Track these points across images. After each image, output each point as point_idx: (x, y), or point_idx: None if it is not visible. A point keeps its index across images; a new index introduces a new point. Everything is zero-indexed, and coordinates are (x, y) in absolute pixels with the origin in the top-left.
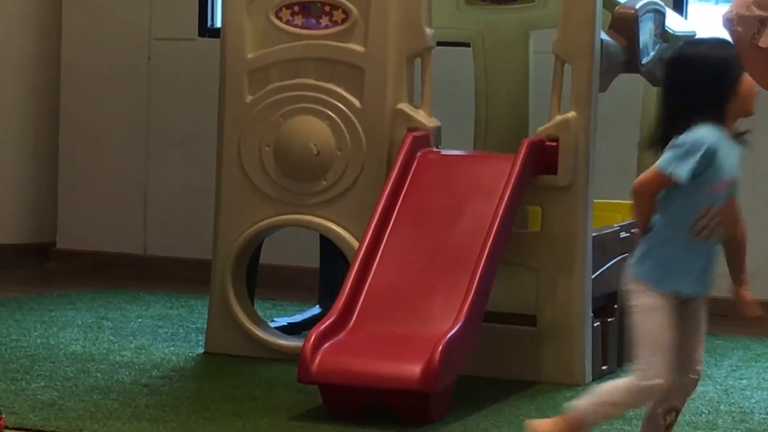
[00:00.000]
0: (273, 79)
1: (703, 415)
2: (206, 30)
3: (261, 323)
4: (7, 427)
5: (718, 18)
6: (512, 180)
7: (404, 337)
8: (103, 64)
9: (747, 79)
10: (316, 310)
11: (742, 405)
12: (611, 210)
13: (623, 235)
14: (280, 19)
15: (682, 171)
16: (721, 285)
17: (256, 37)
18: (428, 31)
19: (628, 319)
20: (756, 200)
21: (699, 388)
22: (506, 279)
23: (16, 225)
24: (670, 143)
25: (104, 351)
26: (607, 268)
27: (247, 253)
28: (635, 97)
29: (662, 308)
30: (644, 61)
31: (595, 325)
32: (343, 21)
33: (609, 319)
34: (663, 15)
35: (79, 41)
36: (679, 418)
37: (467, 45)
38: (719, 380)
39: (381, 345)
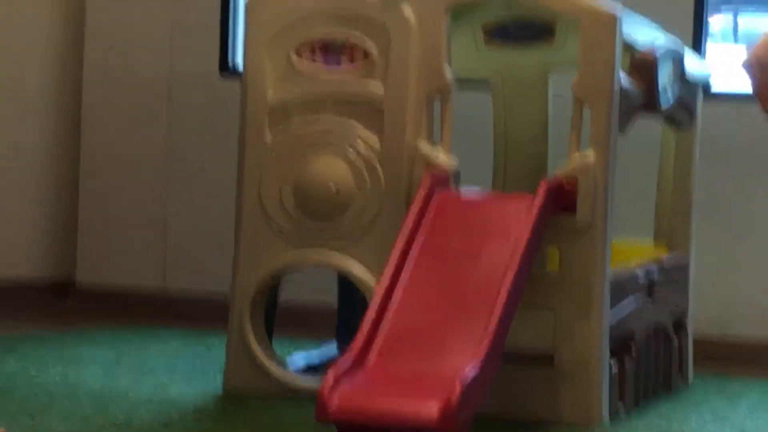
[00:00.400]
0: (293, 118)
1: None
2: (227, 69)
3: (279, 361)
4: None
5: (738, 60)
6: (531, 220)
7: (422, 376)
8: (123, 102)
9: None
10: (334, 348)
11: None
12: (630, 251)
13: (641, 275)
14: (300, 58)
15: None
16: (737, 326)
17: (276, 76)
18: (448, 71)
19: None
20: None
21: (714, 430)
22: (524, 319)
23: (36, 261)
24: None
25: (123, 388)
26: (624, 309)
27: (265, 291)
28: (654, 139)
29: None
30: (663, 103)
31: (612, 365)
32: (364, 60)
33: (626, 360)
34: (682, 57)
35: (100, 78)
36: None
37: (487, 85)
38: (736, 422)
39: (399, 384)
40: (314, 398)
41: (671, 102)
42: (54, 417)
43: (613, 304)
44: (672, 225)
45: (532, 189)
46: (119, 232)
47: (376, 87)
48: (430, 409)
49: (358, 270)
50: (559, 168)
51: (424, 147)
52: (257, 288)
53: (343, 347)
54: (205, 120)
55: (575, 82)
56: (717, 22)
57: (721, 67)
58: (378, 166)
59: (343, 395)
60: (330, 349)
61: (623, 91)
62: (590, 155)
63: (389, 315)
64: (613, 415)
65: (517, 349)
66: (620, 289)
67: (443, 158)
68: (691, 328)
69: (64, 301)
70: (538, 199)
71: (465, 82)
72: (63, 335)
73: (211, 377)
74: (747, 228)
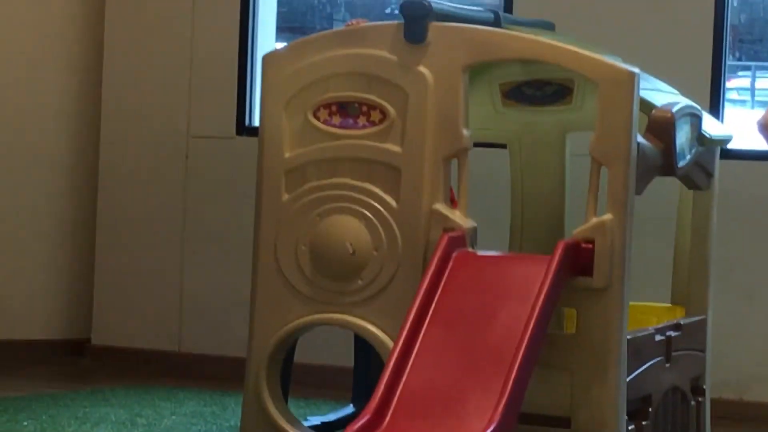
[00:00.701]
0: (310, 178)
1: None
2: (244, 128)
3: (295, 422)
4: None
5: (754, 123)
6: (548, 282)
7: None
8: (140, 161)
9: None
10: (349, 409)
11: None
12: (647, 313)
13: (659, 338)
14: (317, 118)
15: None
16: (754, 388)
17: (293, 136)
18: (465, 132)
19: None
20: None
21: None
22: (541, 380)
23: (52, 321)
24: None
25: None
26: (641, 371)
27: (281, 351)
28: (671, 200)
29: None
30: (680, 164)
31: (629, 428)
32: (381, 121)
33: (643, 422)
34: (699, 119)
35: (117, 139)
36: None
37: (504, 146)
38: None
39: None
40: None
41: (688, 163)
42: None
43: (630, 366)
44: (689, 286)
45: (550, 249)
46: (135, 294)
47: (393, 147)
48: None
49: (374, 330)
50: (576, 229)
51: (441, 208)
52: (273, 348)
53: (359, 407)
54: (222, 181)
55: (592, 142)
56: (734, 85)
57: (739, 130)
58: (395, 227)
59: None
60: (346, 409)
61: (641, 152)
62: (607, 216)
63: (405, 375)
64: None
65: (533, 410)
66: (638, 351)
67: (460, 219)
68: (709, 390)
69: (79, 360)
70: (555, 260)
71: (483, 143)
72: (77, 394)
73: None
74: (765, 289)
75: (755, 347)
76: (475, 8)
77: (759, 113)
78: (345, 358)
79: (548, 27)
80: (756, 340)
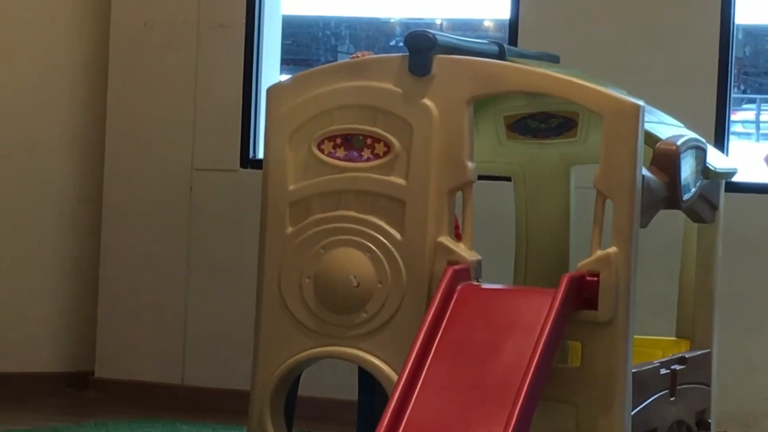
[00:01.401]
0: (314, 211)
1: None
2: (248, 161)
3: None
4: None
5: (759, 156)
6: (552, 315)
7: None
8: (144, 194)
9: None
10: None
11: None
12: (652, 346)
13: (663, 371)
14: (322, 151)
15: None
16: (760, 423)
17: (297, 168)
18: (470, 165)
19: None
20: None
21: None
22: (545, 414)
23: (55, 354)
24: None
25: None
26: (646, 405)
27: (285, 384)
28: (676, 233)
29: None
30: (685, 197)
31: None
32: (385, 154)
33: None
34: (704, 151)
35: (122, 170)
36: None
37: (508, 179)
38: None
39: None
40: None
41: (693, 195)
42: None
43: (635, 400)
44: (694, 319)
45: (554, 283)
46: (139, 327)
47: (397, 180)
48: None
49: (378, 363)
50: (581, 262)
51: (446, 240)
52: (277, 381)
53: None
54: (226, 213)
55: (597, 175)
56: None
57: (744, 163)
58: (399, 260)
59: None
60: None
61: (646, 185)
62: (612, 249)
63: (409, 409)
64: None
65: None
66: (642, 384)
67: (464, 251)
68: (714, 424)
69: (83, 393)
70: (560, 293)
71: (487, 176)
72: (80, 427)
73: None
74: None
75: (761, 381)
76: (479, 41)
77: (764, 146)
78: (349, 391)
79: (553, 60)
80: (762, 374)
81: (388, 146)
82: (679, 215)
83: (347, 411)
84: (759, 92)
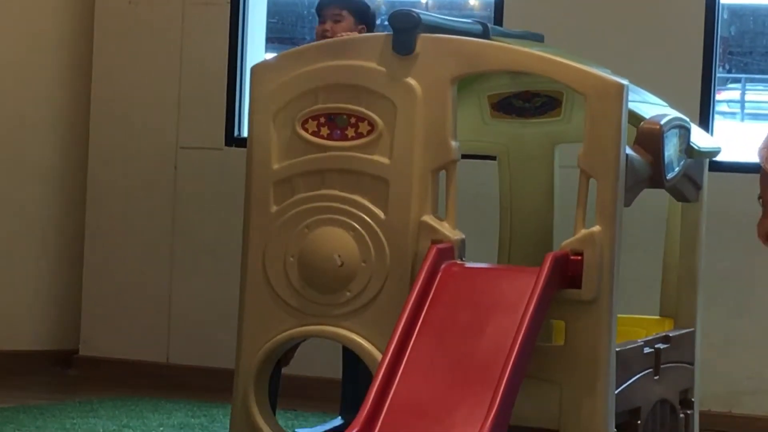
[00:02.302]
0: (298, 190)
1: None
2: (233, 139)
3: None
4: None
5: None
6: (536, 294)
7: None
8: (129, 172)
9: None
10: (338, 421)
11: None
12: (635, 325)
13: (647, 350)
14: (306, 130)
15: None
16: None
17: (281, 147)
18: (454, 144)
19: None
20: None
21: None
22: (529, 393)
23: (40, 332)
24: None
25: None
26: (630, 384)
27: (269, 363)
28: (660, 212)
29: None
30: (669, 176)
31: None
32: (369, 133)
33: None
34: (688, 131)
35: (106, 150)
36: None
37: (492, 158)
38: None
39: None
40: None
41: (677, 175)
42: None
43: (618, 379)
44: (678, 298)
45: (538, 261)
46: (123, 305)
47: (381, 159)
48: None
49: (362, 342)
50: (564, 241)
51: (430, 219)
52: (261, 359)
53: (347, 419)
54: (211, 192)
55: (581, 154)
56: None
57: (728, 142)
58: (383, 239)
59: None
60: (334, 421)
61: (629, 164)
62: (596, 228)
63: (394, 388)
64: None
65: (522, 423)
66: (626, 363)
67: (448, 230)
68: (698, 403)
69: (67, 371)
70: (544, 272)
71: (471, 155)
72: (65, 405)
73: None
74: (754, 302)
75: (744, 360)
76: (463, 20)
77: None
78: (333, 369)
79: (537, 39)
80: (745, 353)
81: (372, 125)
82: (662, 194)
83: (331, 389)
84: (744, 72)
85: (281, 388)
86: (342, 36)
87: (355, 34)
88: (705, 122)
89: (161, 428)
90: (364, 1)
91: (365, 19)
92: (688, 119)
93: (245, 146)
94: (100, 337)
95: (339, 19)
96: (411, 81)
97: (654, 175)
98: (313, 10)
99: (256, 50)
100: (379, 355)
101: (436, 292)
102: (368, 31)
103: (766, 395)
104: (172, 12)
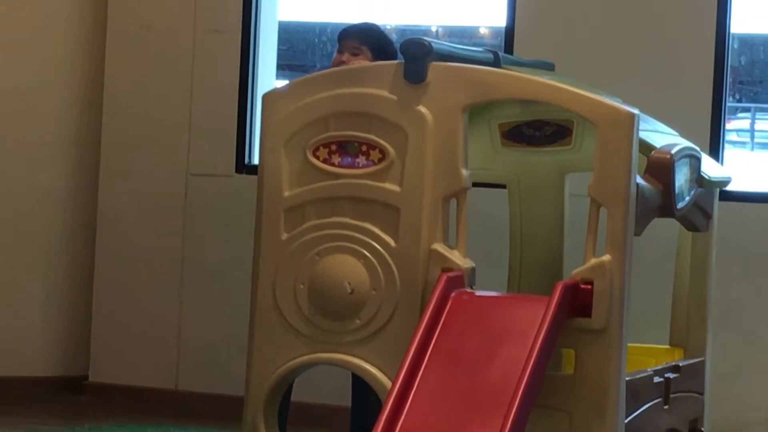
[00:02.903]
0: (309, 217)
1: None
2: (243, 166)
3: None
4: None
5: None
6: (546, 323)
7: None
8: (140, 199)
9: None
10: None
11: None
12: (645, 354)
13: (657, 379)
14: (317, 157)
15: None
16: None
17: (292, 175)
18: (464, 172)
19: None
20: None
21: None
22: (539, 422)
23: (50, 358)
24: None
25: None
26: (640, 413)
27: (279, 390)
28: (670, 242)
29: None
30: (679, 205)
31: None
32: (380, 161)
33: None
34: (699, 160)
35: (117, 176)
36: None
37: (503, 186)
38: None
39: None
40: None
41: (687, 204)
42: None
43: (628, 408)
44: (688, 328)
45: (548, 290)
46: (133, 331)
47: (392, 187)
48: None
49: (372, 370)
50: (575, 270)
51: (440, 247)
52: (271, 387)
53: None
54: (222, 219)
55: (591, 183)
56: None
57: (738, 171)
58: (393, 266)
59: None
60: None
61: (640, 193)
62: (606, 257)
63: (403, 416)
64: None
65: None
66: (636, 392)
67: (458, 258)
68: None
69: (77, 397)
70: (554, 301)
71: (482, 183)
72: (75, 431)
73: None
74: (764, 332)
75: (754, 390)
76: (474, 48)
77: (758, 155)
78: (343, 397)
79: (548, 67)
80: (755, 383)
81: (383, 153)
82: (673, 223)
83: (341, 417)
84: (754, 101)
85: (291, 414)
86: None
87: (366, 63)
88: (715, 151)
89: None
90: (386, 38)
91: (382, 55)
92: (698, 149)
93: (256, 173)
94: (109, 363)
95: (357, 53)
96: (422, 109)
97: (664, 204)
98: (324, 38)
99: (267, 77)
100: (388, 383)
101: (446, 320)
102: None
103: None
104: (183, 39)
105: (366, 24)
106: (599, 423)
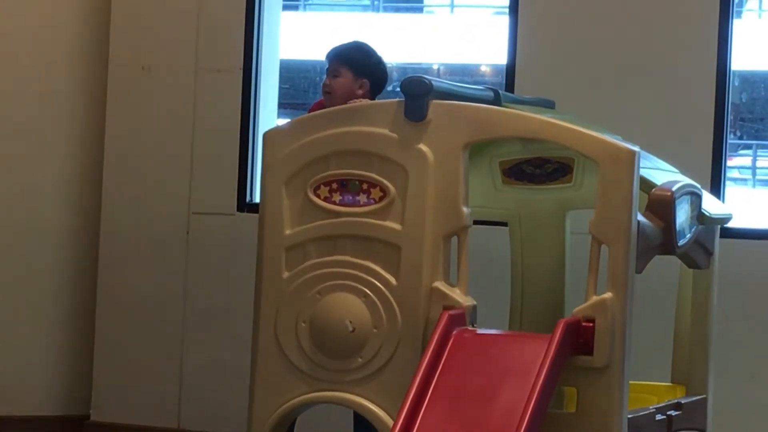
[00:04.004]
0: (310, 256)
1: None
2: (245, 205)
3: None
4: None
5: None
6: (548, 360)
7: None
8: (141, 237)
9: None
10: None
11: None
12: (647, 392)
13: (659, 417)
14: (318, 196)
15: None
16: None
17: (293, 213)
18: (465, 210)
19: None
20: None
21: None
22: None
23: (51, 397)
24: None
25: None
26: None
27: (281, 429)
28: (671, 279)
29: None
30: (680, 243)
31: None
32: (381, 199)
33: None
34: (699, 197)
35: (118, 213)
36: None
37: (504, 224)
38: None
39: None
40: None
41: (688, 241)
42: None
43: None
44: (690, 365)
45: (550, 328)
46: (135, 370)
47: (393, 225)
48: None
49: (373, 408)
50: (576, 307)
51: (441, 285)
52: (273, 425)
53: None
54: (223, 257)
55: (592, 220)
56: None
57: (739, 209)
58: (395, 305)
59: None
60: None
61: (641, 230)
62: (608, 294)
63: None
64: None
65: None
66: (638, 430)
67: (460, 297)
68: None
69: None
70: (555, 339)
71: (483, 221)
72: None
73: None
74: (766, 369)
75: (757, 427)
76: (475, 86)
77: (760, 192)
78: None
79: (548, 105)
80: (757, 420)
81: (384, 191)
82: (674, 261)
83: None
84: (755, 138)
85: None
86: (355, 103)
87: (366, 101)
88: (716, 188)
89: None
90: (364, 54)
91: (365, 73)
92: (699, 186)
93: (257, 212)
94: (111, 402)
95: (337, 75)
96: (423, 147)
97: (665, 241)
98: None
99: (269, 116)
100: (390, 422)
101: (448, 358)
102: (372, 83)
103: None
104: (185, 78)
105: (348, 44)
106: None
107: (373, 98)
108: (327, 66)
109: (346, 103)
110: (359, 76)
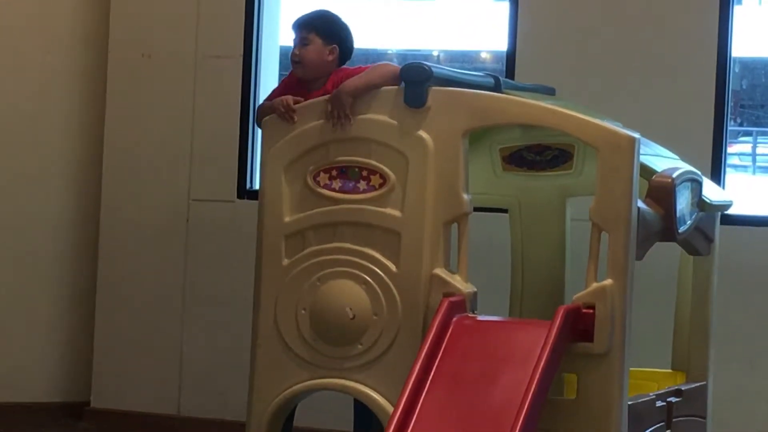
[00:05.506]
0: (310, 243)
1: None
2: (245, 192)
3: None
4: None
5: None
6: (548, 347)
7: None
8: (141, 224)
9: None
10: None
11: None
12: (647, 378)
13: (659, 404)
14: (317, 183)
15: None
16: None
17: (293, 200)
18: (465, 197)
19: None
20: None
21: None
22: None
23: (51, 384)
24: None
25: None
26: None
27: (281, 416)
28: (672, 266)
29: None
30: (681, 229)
31: None
32: (381, 186)
33: None
34: (700, 184)
35: (118, 200)
36: None
37: (504, 211)
38: None
39: None
40: None
41: (689, 228)
42: None
43: None
44: (690, 352)
45: (550, 315)
46: (135, 357)
47: (393, 212)
48: None
49: (373, 395)
50: (576, 294)
51: (441, 272)
52: (273, 412)
53: None
54: (223, 244)
55: (593, 207)
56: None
57: (740, 195)
58: (395, 292)
59: None
60: None
61: (641, 217)
62: (608, 281)
63: None
64: None
65: None
66: (638, 417)
67: (460, 283)
68: None
69: (78, 423)
70: (556, 326)
71: (483, 208)
72: None
73: None
74: (766, 355)
75: (756, 414)
76: (475, 73)
77: (760, 178)
78: (345, 422)
79: (549, 92)
80: (757, 407)
81: (384, 178)
82: (674, 247)
83: None
84: (755, 125)
85: None
86: (308, 55)
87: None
88: (717, 175)
89: None
90: (332, 20)
91: (335, 38)
92: (699, 172)
93: (257, 199)
94: (111, 389)
95: (306, 43)
96: (423, 134)
97: (666, 228)
98: None
99: None
100: (390, 408)
101: (448, 344)
102: (341, 49)
103: None
104: (185, 65)
105: (314, 12)
106: None
107: (341, 64)
108: (295, 36)
109: (317, 70)
110: (329, 42)
